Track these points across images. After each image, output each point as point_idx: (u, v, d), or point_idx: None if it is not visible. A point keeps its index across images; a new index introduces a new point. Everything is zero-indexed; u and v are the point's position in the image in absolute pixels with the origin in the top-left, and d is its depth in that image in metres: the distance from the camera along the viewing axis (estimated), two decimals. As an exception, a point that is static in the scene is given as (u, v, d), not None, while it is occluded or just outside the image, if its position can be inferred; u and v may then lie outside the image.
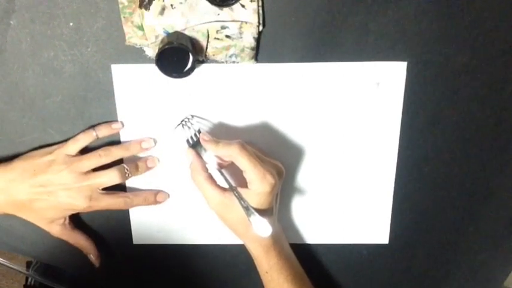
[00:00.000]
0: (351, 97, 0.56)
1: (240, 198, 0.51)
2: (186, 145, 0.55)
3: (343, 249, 0.64)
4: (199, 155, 0.54)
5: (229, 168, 0.55)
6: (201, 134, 0.54)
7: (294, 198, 0.61)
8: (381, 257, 0.65)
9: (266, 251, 0.54)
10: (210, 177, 0.53)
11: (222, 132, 0.57)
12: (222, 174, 0.53)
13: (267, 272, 0.56)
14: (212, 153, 0.53)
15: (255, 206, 0.51)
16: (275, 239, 0.55)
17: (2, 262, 0.67)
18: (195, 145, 0.55)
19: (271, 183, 0.50)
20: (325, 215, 0.62)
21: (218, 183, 0.53)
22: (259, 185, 0.50)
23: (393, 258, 0.65)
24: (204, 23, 0.49)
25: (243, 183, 0.52)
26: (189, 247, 0.64)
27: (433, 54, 0.54)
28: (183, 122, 0.56)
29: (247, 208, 0.51)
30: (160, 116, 0.56)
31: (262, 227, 0.50)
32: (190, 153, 0.54)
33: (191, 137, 0.55)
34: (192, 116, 0.56)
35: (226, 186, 0.53)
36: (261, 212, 0.51)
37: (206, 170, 0.53)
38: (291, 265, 0.56)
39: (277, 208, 0.56)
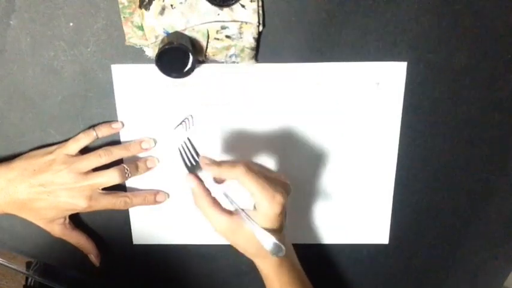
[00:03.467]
0: (351, 97, 0.56)
1: (249, 220, 0.49)
2: (186, 170, 0.53)
3: (343, 249, 0.64)
4: (200, 180, 0.51)
5: (231, 186, 0.52)
6: (200, 158, 0.51)
7: (294, 199, 0.61)
8: (381, 257, 0.65)
9: (277, 268, 0.53)
10: (215, 202, 0.50)
11: (221, 133, 0.57)
12: (227, 197, 0.50)
13: None
14: (213, 176, 0.51)
15: (264, 226, 0.49)
16: (286, 256, 0.53)
17: (2, 262, 0.67)
18: (195, 168, 0.52)
19: (281, 204, 0.48)
20: (325, 215, 0.62)
21: (223, 205, 0.51)
22: (268, 207, 0.47)
23: (393, 258, 0.65)
24: (204, 23, 0.49)
25: (248, 202, 0.50)
26: (189, 247, 0.64)
27: (433, 54, 0.54)
28: (183, 123, 0.56)
29: (257, 230, 0.48)
30: (160, 116, 0.56)
31: (276, 248, 0.48)
32: (191, 179, 0.51)
33: (189, 161, 0.53)
34: (193, 123, 0.55)
35: (231, 207, 0.50)
36: (271, 231, 0.49)
37: (209, 194, 0.50)
38: (302, 281, 0.55)
39: (286, 223, 0.54)
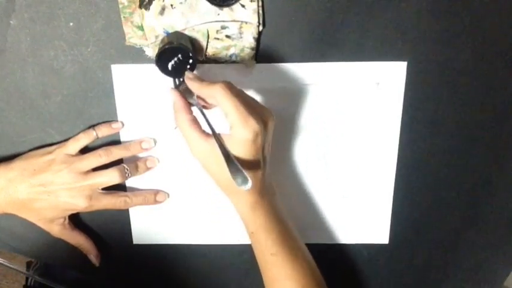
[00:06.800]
0: (351, 97, 0.56)
1: (220, 144, 0.45)
2: (172, 85, 0.51)
3: (343, 249, 0.64)
4: (184, 96, 0.49)
5: (217, 114, 0.49)
6: (186, 72, 0.49)
7: (294, 198, 0.61)
8: (381, 257, 0.65)
9: (252, 209, 0.49)
10: (195, 121, 0.48)
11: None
12: (204, 116, 0.48)
13: (252, 233, 0.51)
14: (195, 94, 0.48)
15: (237, 155, 0.45)
16: (263, 196, 0.50)
17: (2, 262, 0.67)
18: (180, 86, 0.50)
19: (255, 130, 0.45)
20: (325, 215, 0.62)
21: (203, 127, 0.48)
22: (241, 131, 0.44)
23: (393, 258, 0.65)
24: (204, 23, 0.49)
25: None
26: (189, 247, 0.64)
27: (433, 54, 0.54)
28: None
29: (227, 156, 0.45)
30: (160, 116, 0.56)
31: (241, 178, 0.44)
32: (174, 93, 0.49)
33: (178, 79, 0.50)
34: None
35: (209, 130, 0.47)
36: (245, 162, 0.46)
37: (191, 112, 0.48)
38: (281, 226, 0.51)
39: (267, 162, 0.50)
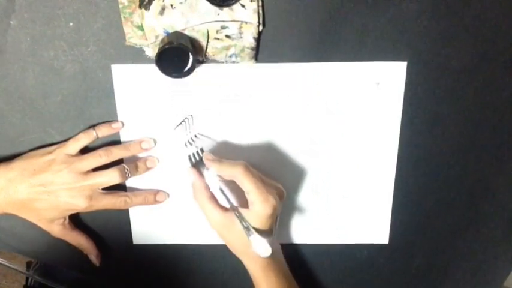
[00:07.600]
0: (351, 97, 0.56)
1: (241, 218, 0.52)
2: (189, 163, 0.56)
3: (343, 249, 0.64)
4: (201, 174, 0.55)
5: (230, 186, 0.56)
6: (204, 153, 0.55)
7: (294, 198, 0.61)
8: (381, 257, 0.65)
9: (264, 270, 0.55)
10: (212, 197, 0.54)
11: (221, 133, 0.57)
12: (223, 194, 0.54)
13: None
14: (214, 173, 0.53)
15: (255, 226, 0.51)
16: (274, 258, 0.55)
17: (2, 262, 0.67)
18: (198, 163, 0.55)
19: (273, 206, 0.51)
20: (325, 215, 0.62)
21: (220, 201, 0.54)
22: (261, 207, 0.50)
23: (393, 258, 0.65)
24: (204, 23, 0.49)
25: (244, 202, 0.52)
26: (189, 247, 0.64)
27: (433, 54, 0.54)
28: (183, 123, 0.56)
29: (247, 228, 0.51)
30: (160, 116, 0.56)
31: (262, 247, 0.51)
32: (193, 172, 0.55)
33: (193, 155, 0.56)
34: (193, 119, 0.56)
35: (227, 204, 0.53)
36: (261, 232, 0.52)
37: (208, 189, 0.54)
38: (289, 284, 0.57)
39: (277, 228, 0.56)
